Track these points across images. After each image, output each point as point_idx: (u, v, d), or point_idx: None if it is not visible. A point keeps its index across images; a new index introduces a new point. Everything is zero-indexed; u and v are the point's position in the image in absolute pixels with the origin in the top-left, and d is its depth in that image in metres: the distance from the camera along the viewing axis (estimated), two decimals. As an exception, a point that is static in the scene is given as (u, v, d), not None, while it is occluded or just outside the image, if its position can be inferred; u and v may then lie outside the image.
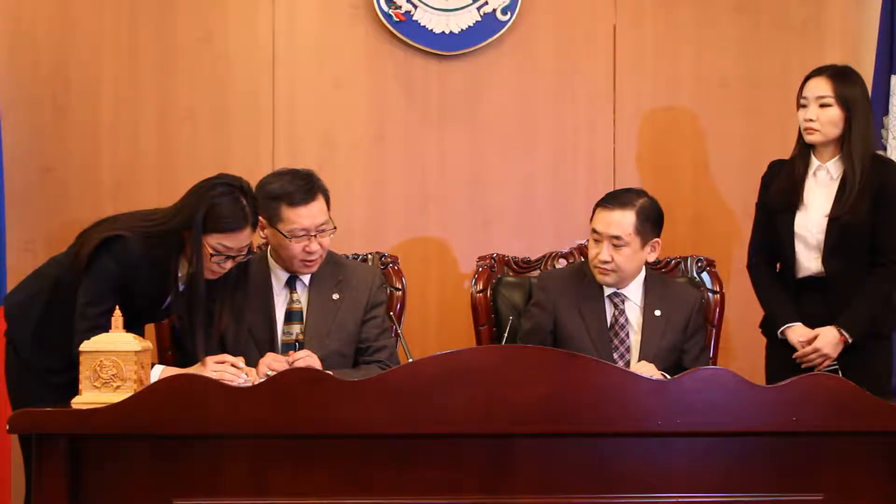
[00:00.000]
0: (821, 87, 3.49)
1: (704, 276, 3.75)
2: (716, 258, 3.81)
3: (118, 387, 2.70)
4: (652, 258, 3.47)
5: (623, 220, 3.37)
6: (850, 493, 2.64)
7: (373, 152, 4.39)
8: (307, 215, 3.30)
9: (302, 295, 3.42)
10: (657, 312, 3.44)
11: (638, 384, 2.61)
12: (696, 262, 3.77)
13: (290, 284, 3.42)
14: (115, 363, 2.71)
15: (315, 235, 3.32)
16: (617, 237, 3.37)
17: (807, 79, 3.55)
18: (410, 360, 2.84)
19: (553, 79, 4.42)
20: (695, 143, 4.42)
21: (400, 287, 3.72)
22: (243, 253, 3.18)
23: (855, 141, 3.47)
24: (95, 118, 4.33)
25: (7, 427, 2.62)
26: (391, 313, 3.55)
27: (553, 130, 4.42)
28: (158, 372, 3.06)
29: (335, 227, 3.37)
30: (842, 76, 3.51)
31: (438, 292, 4.37)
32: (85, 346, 2.74)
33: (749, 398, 2.60)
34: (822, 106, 3.48)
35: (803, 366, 3.45)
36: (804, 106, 3.52)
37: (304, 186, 3.32)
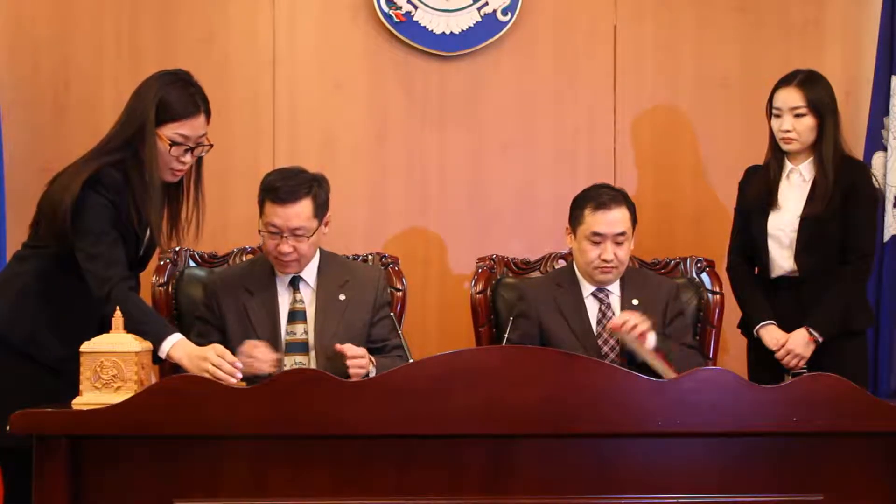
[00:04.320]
0: (793, 98, 3.59)
1: (704, 276, 3.76)
2: (715, 259, 3.82)
3: (119, 388, 2.70)
4: (632, 246, 3.53)
5: (623, 217, 3.45)
6: (851, 494, 2.65)
7: (373, 153, 4.40)
8: (282, 215, 3.29)
9: (305, 295, 3.43)
10: (634, 302, 3.48)
11: (638, 385, 2.61)
12: (696, 263, 3.78)
13: (294, 285, 3.43)
14: (116, 364, 2.71)
15: (287, 237, 3.31)
16: (622, 233, 3.43)
17: (777, 88, 3.64)
18: (410, 361, 2.84)
19: (553, 79, 4.42)
20: (695, 143, 4.42)
21: (401, 287, 3.73)
22: (203, 144, 3.17)
23: (826, 144, 3.59)
24: (95, 118, 4.32)
25: (8, 428, 2.61)
26: (391, 314, 3.56)
27: (553, 131, 4.42)
28: (173, 343, 3.02)
29: (310, 236, 3.33)
30: (810, 83, 3.61)
31: (438, 293, 4.37)
32: (85, 346, 2.74)
33: (749, 399, 2.60)
34: (796, 116, 3.58)
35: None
36: (777, 116, 3.62)
37: (289, 186, 3.30)
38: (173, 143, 3.11)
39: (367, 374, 3.25)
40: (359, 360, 3.22)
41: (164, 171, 3.16)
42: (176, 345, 3.02)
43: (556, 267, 3.80)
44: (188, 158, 3.16)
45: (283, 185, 3.30)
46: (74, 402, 2.72)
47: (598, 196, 3.48)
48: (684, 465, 2.65)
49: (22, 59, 4.33)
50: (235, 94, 4.37)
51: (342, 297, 3.42)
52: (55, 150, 4.32)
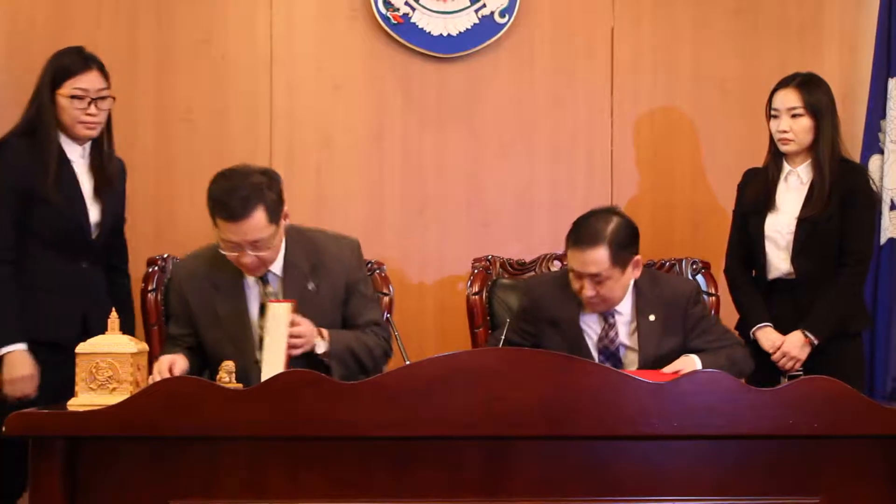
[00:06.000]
0: (791, 99, 3.62)
1: (700, 278, 3.75)
2: (713, 260, 3.82)
3: (114, 389, 2.70)
4: (637, 274, 3.35)
5: (597, 258, 3.22)
6: (848, 496, 2.65)
7: (371, 154, 4.39)
8: (236, 231, 3.13)
9: (275, 285, 3.30)
10: (651, 318, 3.33)
11: (635, 387, 2.61)
12: (692, 265, 3.78)
13: (263, 277, 3.29)
14: (112, 365, 2.71)
15: (246, 249, 3.17)
16: (595, 275, 3.25)
17: (775, 90, 3.67)
18: (408, 363, 2.84)
19: (551, 81, 4.42)
20: (693, 145, 4.43)
21: (387, 293, 3.67)
22: (103, 96, 3.49)
23: (823, 146, 3.61)
24: (93, 119, 4.32)
25: (3, 429, 2.61)
26: (369, 292, 3.47)
27: (551, 133, 4.42)
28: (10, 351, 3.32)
29: (271, 245, 3.19)
30: (808, 85, 3.64)
31: (436, 294, 4.37)
32: (81, 347, 2.74)
33: (746, 401, 2.60)
34: (793, 116, 3.61)
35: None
36: (776, 117, 3.64)
37: (237, 200, 3.12)
38: (74, 98, 3.43)
39: (314, 349, 3.20)
40: (296, 335, 3.14)
41: (77, 127, 3.46)
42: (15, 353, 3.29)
43: (552, 268, 3.79)
44: (94, 110, 3.46)
45: (230, 201, 3.12)
46: (70, 403, 2.71)
47: (579, 230, 3.28)
48: (681, 467, 2.65)
49: (21, 59, 4.31)
50: (233, 94, 4.37)
51: (311, 286, 3.30)
52: (53, 150, 4.31)
